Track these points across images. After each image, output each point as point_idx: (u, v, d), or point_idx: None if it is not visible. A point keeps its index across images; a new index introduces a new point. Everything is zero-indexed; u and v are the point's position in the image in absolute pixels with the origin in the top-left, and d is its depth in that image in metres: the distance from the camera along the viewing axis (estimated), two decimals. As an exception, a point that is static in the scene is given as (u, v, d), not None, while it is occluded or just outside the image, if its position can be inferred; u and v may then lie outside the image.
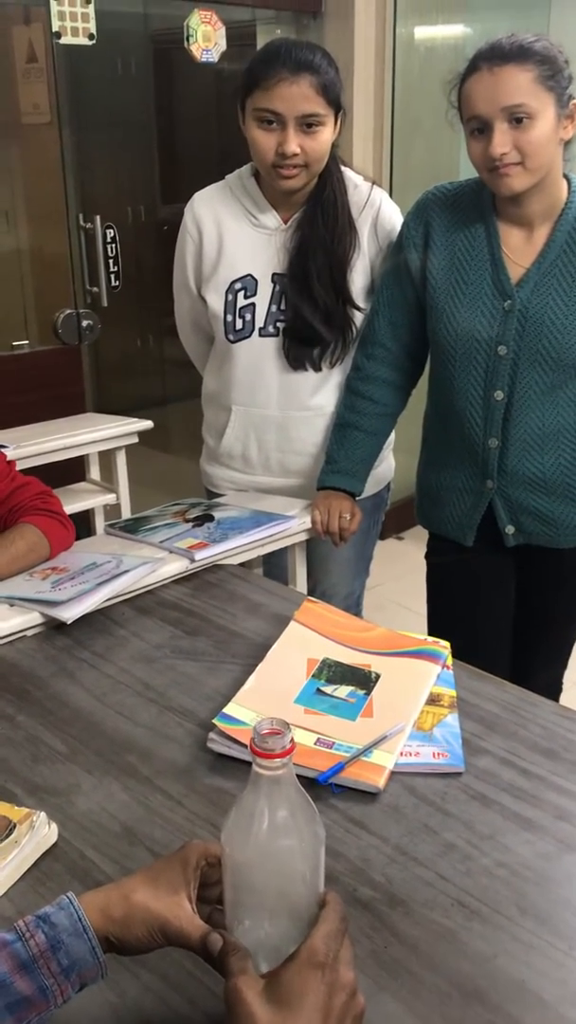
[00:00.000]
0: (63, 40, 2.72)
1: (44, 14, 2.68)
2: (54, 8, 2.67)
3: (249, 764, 0.74)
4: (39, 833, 1.01)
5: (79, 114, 4.27)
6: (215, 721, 1.19)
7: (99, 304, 3.08)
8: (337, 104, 1.74)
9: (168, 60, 4.62)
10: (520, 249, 1.64)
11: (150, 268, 4.24)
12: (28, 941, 0.75)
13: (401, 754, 1.15)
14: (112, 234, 3.07)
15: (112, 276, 3.10)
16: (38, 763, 1.17)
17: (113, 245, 3.09)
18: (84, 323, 3.04)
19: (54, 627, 1.48)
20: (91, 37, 2.78)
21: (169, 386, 4.93)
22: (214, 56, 3.06)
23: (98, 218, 3.05)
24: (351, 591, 2.17)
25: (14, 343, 2.96)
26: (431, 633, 1.80)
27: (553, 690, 1.97)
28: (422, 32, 3.53)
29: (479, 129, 1.53)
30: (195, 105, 4.74)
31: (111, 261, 3.09)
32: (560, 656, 1.96)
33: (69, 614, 1.44)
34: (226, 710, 1.21)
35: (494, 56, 1.50)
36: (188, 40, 3.00)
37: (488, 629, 1.88)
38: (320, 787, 1.09)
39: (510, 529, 1.77)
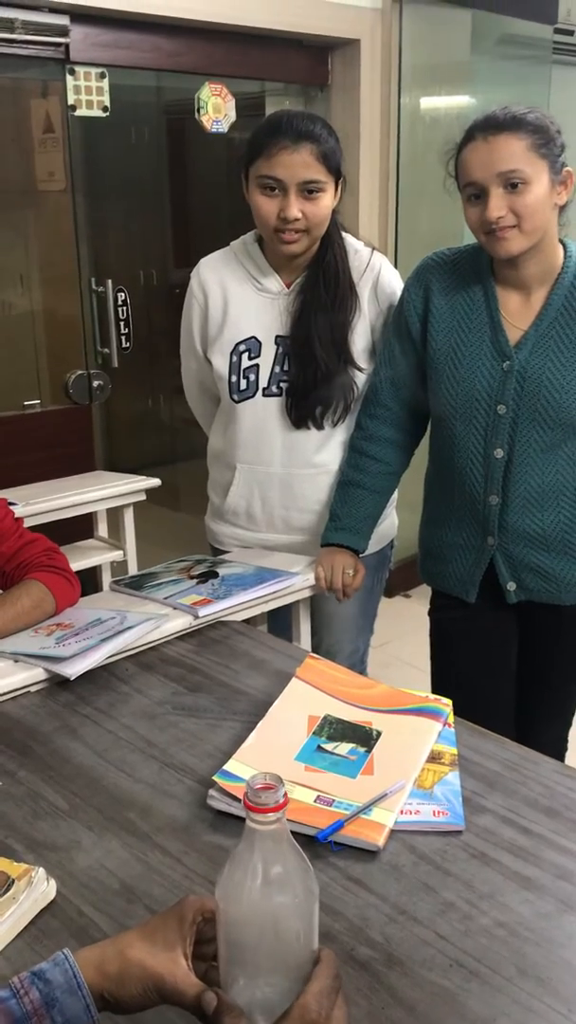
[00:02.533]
0: (78, 112, 2.82)
1: (61, 88, 2.79)
2: (70, 82, 2.77)
3: (247, 821, 0.74)
4: (37, 889, 1.00)
5: (93, 181, 4.39)
6: (215, 778, 1.19)
7: (110, 365, 3.14)
8: (337, 171, 1.80)
9: (179, 130, 4.76)
10: (518, 312, 1.68)
11: (160, 330, 4.32)
12: (23, 998, 0.75)
13: (401, 812, 1.15)
14: (123, 297, 3.14)
15: (123, 338, 3.16)
16: (39, 819, 1.17)
17: (124, 308, 3.15)
18: (95, 383, 3.09)
19: (58, 683, 1.49)
20: (105, 110, 2.88)
21: (177, 445, 4.98)
22: (224, 126, 3.16)
23: (110, 282, 3.12)
24: (355, 648, 2.17)
25: (25, 402, 3.01)
26: (434, 689, 1.80)
27: (558, 748, 1.96)
28: (426, 103, 3.64)
29: (476, 195, 1.58)
30: (205, 173, 4.87)
31: (122, 323, 3.15)
32: (563, 714, 1.95)
33: (72, 670, 1.45)
34: (226, 767, 1.21)
35: (489, 126, 1.55)
36: (199, 111, 3.11)
37: (491, 686, 1.87)
38: (319, 844, 1.09)
39: (511, 586, 1.78)
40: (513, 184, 1.54)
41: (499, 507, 1.73)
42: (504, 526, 1.73)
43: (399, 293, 1.89)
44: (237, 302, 1.94)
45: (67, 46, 2.69)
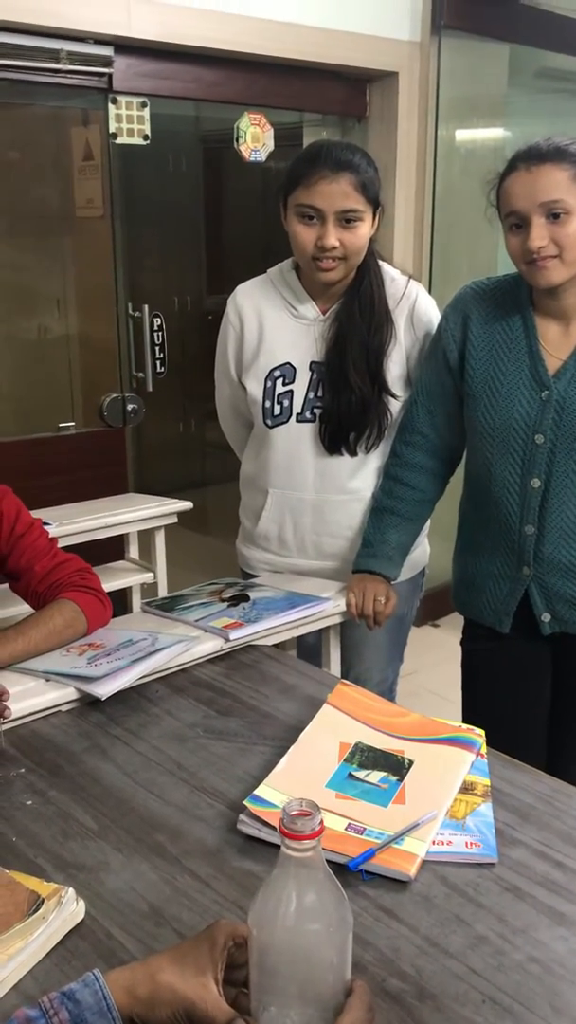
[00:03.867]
0: (119, 140, 2.86)
1: (102, 116, 2.84)
2: (112, 111, 2.82)
3: (279, 847, 0.74)
4: (66, 909, 1.00)
5: (131, 208, 4.46)
6: (246, 803, 1.18)
7: (144, 389, 3.17)
8: (375, 201, 1.82)
9: (217, 159, 4.83)
10: (557, 342, 1.68)
11: (194, 355, 4.36)
12: (52, 1018, 0.75)
13: (433, 842, 1.13)
14: (159, 323, 3.17)
15: (158, 363, 3.19)
16: (68, 839, 1.17)
17: (160, 333, 3.18)
18: (129, 407, 3.12)
19: (89, 703, 1.49)
20: (146, 138, 2.92)
21: (209, 469, 5.01)
22: (262, 156, 3.20)
23: (146, 307, 3.15)
24: (384, 677, 2.15)
25: (61, 424, 3.04)
26: (465, 719, 1.78)
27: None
28: (463, 135, 3.66)
29: (517, 224, 1.59)
30: (242, 201, 4.93)
31: (157, 348, 3.18)
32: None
33: (103, 690, 1.45)
34: (257, 792, 1.20)
35: (532, 156, 1.56)
36: (237, 141, 3.14)
37: (523, 717, 1.85)
38: (350, 873, 1.08)
39: (546, 617, 1.76)
40: (555, 214, 1.54)
41: (535, 537, 1.71)
42: (540, 557, 1.72)
43: (435, 321, 1.90)
44: (272, 328, 1.95)
45: (110, 76, 2.74)
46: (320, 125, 3.56)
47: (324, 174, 1.75)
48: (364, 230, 1.81)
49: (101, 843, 1.16)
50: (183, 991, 0.76)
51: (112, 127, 2.84)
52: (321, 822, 0.74)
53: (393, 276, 1.95)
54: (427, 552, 2.17)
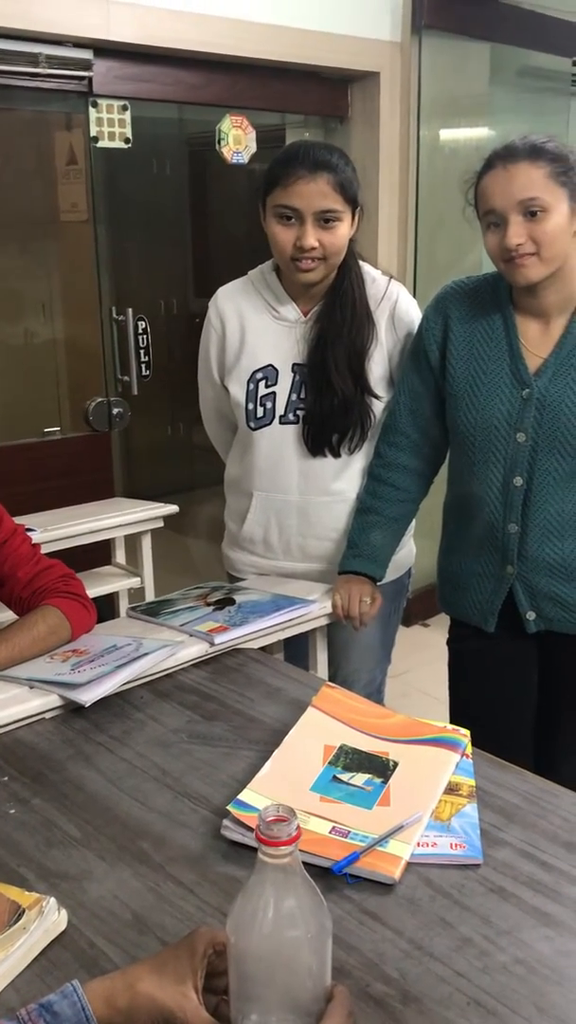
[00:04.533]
0: (100, 144, 2.86)
1: (84, 120, 2.83)
2: (93, 115, 2.81)
3: (259, 852, 0.73)
4: (48, 919, 0.99)
5: (115, 212, 4.45)
6: (229, 808, 1.17)
7: (129, 393, 3.16)
8: (354, 201, 1.81)
9: (201, 162, 4.82)
10: (537, 340, 1.67)
11: (180, 359, 4.35)
12: (30, 1031, 0.74)
13: (418, 844, 1.13)
14: (143, 326, 3.16)
15: (143, 366, 3.18)
16: (51, 848, 1.16)
17: (144, 336, 3.18)
18: (115, 411, 3.11)
19: (72, 710, 1.48)
20: (127, 141, 2.92)
21: (195, 473, 5.00)
22: (244, 158, 3.20)
23: (130, 310, 3.15)
24: (372, 678, 2.15)
25: (46, 429, 3.03)
26: (452, 719, 1.78)
27: (579, 781, 1.93)
28: (445, 135, 3.66)
29: (495, 223, 1.59)
30: (226, 204, 4.92)
31: (142, 352, 3.17)
32: (585, 746, 1.93)
33: (87, 697, 1.44)
34: (241, 797, 1.20)
35: (508, 155, 1.56)
36: (219, 143, 3.14)
37: (510, 716, 1.85)
38: (334, 877, 1.07)
39: (531, 615, 1.76)
40: (532, 212, 1.54)
41: (518, 535, 1.71)
42: (523, 555, 1.72)
43: (417, 321, 1.89)
44: (254, 330, 1.94)
45: (90, 79, 2.73)
46: (302, 126, 3.56)
47: (302, 174, 1.75)
48: (343, 230, 1.81)
49: (84, 851, 1.15)
50: (162, 1000, 0.76)
51: (93, 131, 2.84)
52: (298, 827, 0.73)
53: (374, 277, 1.95)
54: (413, 552, 2.17)
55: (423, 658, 3.14)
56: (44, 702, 1.46)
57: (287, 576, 2.06)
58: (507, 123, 3.85)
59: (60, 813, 1.23)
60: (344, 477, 1.98)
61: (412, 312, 1.95)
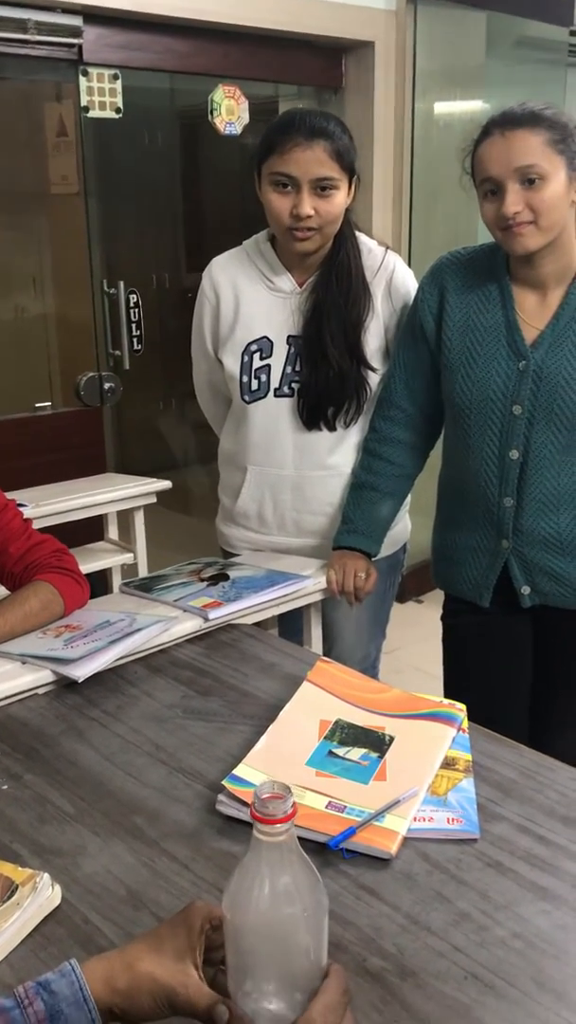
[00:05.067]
0: (91, 114, 2.81)
1: (74, 90, 2.78)
2: (83, 84, 2.76)
3: (255, 828, 0.72)
4: (42, 895, 0.98)
5: (106, 185, 4.39)
6: (224, 783, 1.16)
7: (121, 367, 3.13)
8: (351, 169, 1.78)
9: (193, 133, 4.76)
10: (534, 311, 1.65)
11: (173, 334, 4.30)
12: (26, 1008, 0.73)
13: (414, 819, 1.12)
14: (135, 299, 3.13)
15: (135, 340, 3.15)
16: (44, 823, 1.15)
17: (136, 310, 3.14)
18: (106, 386, 3.08)
19: (65, 685, 1.46)
20: (118, 111, 2.87)
21: (188, 449, 4.97)
22: (237, 129, 3.15)
23: (122, 283, 3.11)
24: (367, 654, 2.14)
25: (37, 404, 3.01)
26: (447, 695, 1.77)
27: (573, 755, 1.91)
28: (441, 105, 3.62)
29: (492, 191, 1.56)
30: (219, 176, 4.86)
31: (134, 325, 3.14)
32: (580, 720, 1.92)
33: (80, 672, 1.43)
34: (236, 772, 1.19)
35: (506, 122, 1.54)
36: (212, 114, 3.10)
37: (505, 691, 1.84)
38: (330, 852, 1.07)
39: (526, 589, 1.75)
40: (530, 180, 1.52)
41: (514, 509, 1.70)
42: (519, 529, 1.71)
43: (413, 293, 1.87)
44: (249, 302, 1.92)
45: (80, 47, 2.68)
46: (296, 97, 3.51)
47: (298, 141, 1.72)
48: (339, 199, 1.78)
49: (78, 827, 1.14)
50: (163, 979, 0.75)
51: (84, 100, 2.79)
52: (294, 805, 0.72)
53: (370, 247, 1.92)
54: (408, 528, 2.15)
55: (417, 634, 3.13)
56: (37, 677, 1.45)
57: (281, 551, 2.04)
58: (503, 94, 3.80)
59: (53, 789, 1.22)
60: (339, 451, 1.96)
61: (409, 283, 1.92)
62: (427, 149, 3.50)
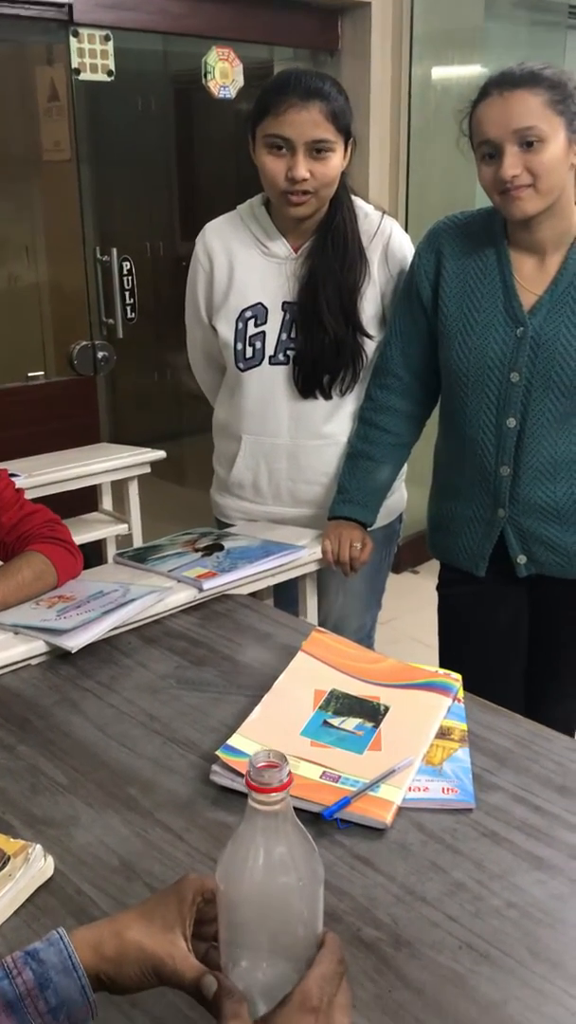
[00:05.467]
0: (82, 76, 2.76)
1: (65, 52, 2.72)
2: (74, 45, 2.71)
3: (249, 798, 0.71)
4: (34, 866, 0.98)
5: (99, 151, 4.33)
6: (218, 753, 1.16)
7: (115, 336, 3.10)
8: (347, 131, 1.75)
9: (187, 99, 4.69)
10: (532, 277, 1.63)
11: (167, 303, 4.26)
12: (15, 979, 0.72)
13: (409, 789, 1.11)
14: (128, 266, 3.09)
15: (128, 308, 3.12)
16: (37, 794, 1.14)
17: (129, 278, 3.11)
18: (99, 354, 3.05)
19: (59, 656, 1.45)
20: (110, 74, 2.81)
21: (184, 419, 4.94)
22: (231, 92, 3.10)
23: (115, 250, 3.07)
24: (362, 624, 2.13)
25: (30, 374, 2.97)
26: (442, 665, 1.76)
27: (568, 725, 1.92)
28: (439, 70, 3.56)
29: (490, 154, 1.53)
30: (214, 143, 4.79)
31: (127, 293, 3.11)
32: (574, 689, 1.92)
33: (73, 643, 1.42)
34: (230, 742, 1.18)
35: (504, 82, 1.50)
36: (206, 76, 3.04)
37: (500, 661, 1.84)
38: (325, 822, 1.06)
39: (521, 559, 1.74)
40: (529, 142, 1.49)
41: (510, 478, 1.68)
42: (515, 498, 1.69)
43: (410, 258, 1.84)
44: (243, 267, 1.89)
45: (70, 7, 2.62)
46: (291, 60, 3.45)
47: (293, 102, 1.68)
48: (335, 161, 1.74)
49: (71, 798, 1.13)
50: (151, 948, 0.74)
51: (75, 62, 2.74)
52: (289, 774, 0.71)
53: (367, 212, 1.89)
54: (404, 498, 2.14)
55: (412, 605, 3.12)
56: (29, 648, 1.44)
57: (276, 522, 2.03)
58: (502, 58, 3.71)
59: (46, 759, 1.21)
60: (335, 420, 1.94)
61: (406, 248, 1.89)
62: (424, 113, 3.44)
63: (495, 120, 1.50)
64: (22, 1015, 0.70)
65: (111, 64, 2.81)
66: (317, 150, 1.71)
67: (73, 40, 2.70)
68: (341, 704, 1.28)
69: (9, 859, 0.97)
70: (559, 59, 3.97)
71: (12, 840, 1.01)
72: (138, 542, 2.56)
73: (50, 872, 0.99)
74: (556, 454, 1.64)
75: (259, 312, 1.88)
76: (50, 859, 1.00)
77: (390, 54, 3.35)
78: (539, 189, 1.51)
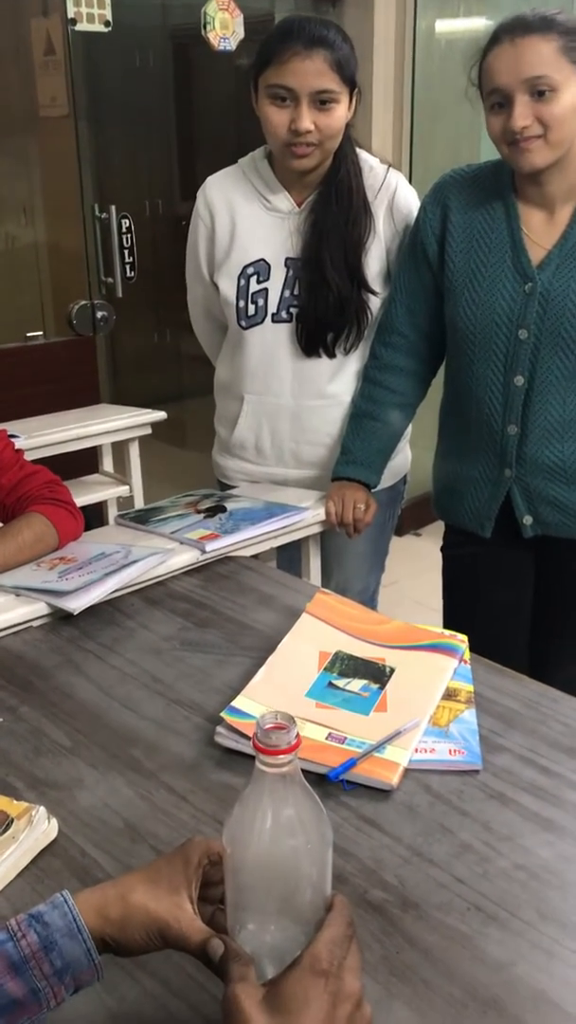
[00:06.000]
0: (79, 27, 2.70)
1: (60, 2, 2.65)
2: (69, -7, 2.64)
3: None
4: (38, 829, 0.97)
5: (96, 106, 4.25)
6: (223, 715, 1.15)
7: (114, 295, 3.06)
8: (352, 81, 1.70)
9: (186, 53, 4.59)
10: (541, 230, 1.59)
11: (167, 262, 4.20)
12: (20, 941, 0.72)
13: (416, 750, 1.10)
14: (127, 224, 3.04)
15: (127, 267, 3.07)
16: (40, 756, 1.13)
17: (128, 236, 3.06)
18: (99, 314, 3.01)
19: (61, 618, 1.44)
20: (107, 24, 2.75)
21: (185, 381, 4.90)
22: (231, 44, 3.03)
23: (113, 208, 3.02)
24: (366, 586, 2.12)
25: (28, 334, 2.94)
26: (446, 627, 1.75)
27: (574, 688, 1.91)
28: (443, 22, 3.47)
29: (500, 103, 1.49)
30: (214, 99, 4.70)
31: (126, 252, 3.06)
32: (580, 651, 1.91)
33: (75, 604, 1.40)
34: (234, 703, 1.17)
35: (516, 27, 1.46)
36: (205, 28, 2.97)
37: (505, 622, 1.83)
38: (331, 784, 1.05)
39: (528, 519, 1.72)
40: (540, 91, 1.44)
41: (518, 437, 1.66)
42: (522, 457, 1.67)
43: (416, 213, 1.80)
44: (245, 222, 1.85)
45: (66, -47, 2.55)
46: (292, 10, 3.37)
47: (297, 51, 1.63)
48: (340, 112, 1.70)
49: (75, 759, 1.12)
50: (156, 911, 0.73)
51: (71, 12, 2.67)
52: (297, 735, 0.69)
53: (372, 165, 1.85)
54: (408, 459, 2.11)
55: (415, 568, 3.11)
56: (31, 610, 1.43)
57: (279, 483, 2.01)
58: (509, 9, 3.65)
59: (49, 721, 1.20)
60: (339, 379, 1.91)
61: (412, 203, 1.85)
62: (429, 64, 3.37)
63: (505, 68, 1.46)
64: (27, 977, 0.70)
65: (108, 14, 2.74)
66: (321, 101, 1.67)
67: (69, -11, 2.63)
68: (346, 666, 1.27)
69: (13, 821, 0.97)
70: (570, 7, 3.88)
71: (15, 802, 1.00)
72: (139, 504, 2.54)
73: (54, 834, 0.99)
74: (564, 413, 1.62)
75: (261, 268, 1.84)
76: (54, 821, 0.99)
77: (394, 4, 3.28)
78: (549, 140, 1.47)
